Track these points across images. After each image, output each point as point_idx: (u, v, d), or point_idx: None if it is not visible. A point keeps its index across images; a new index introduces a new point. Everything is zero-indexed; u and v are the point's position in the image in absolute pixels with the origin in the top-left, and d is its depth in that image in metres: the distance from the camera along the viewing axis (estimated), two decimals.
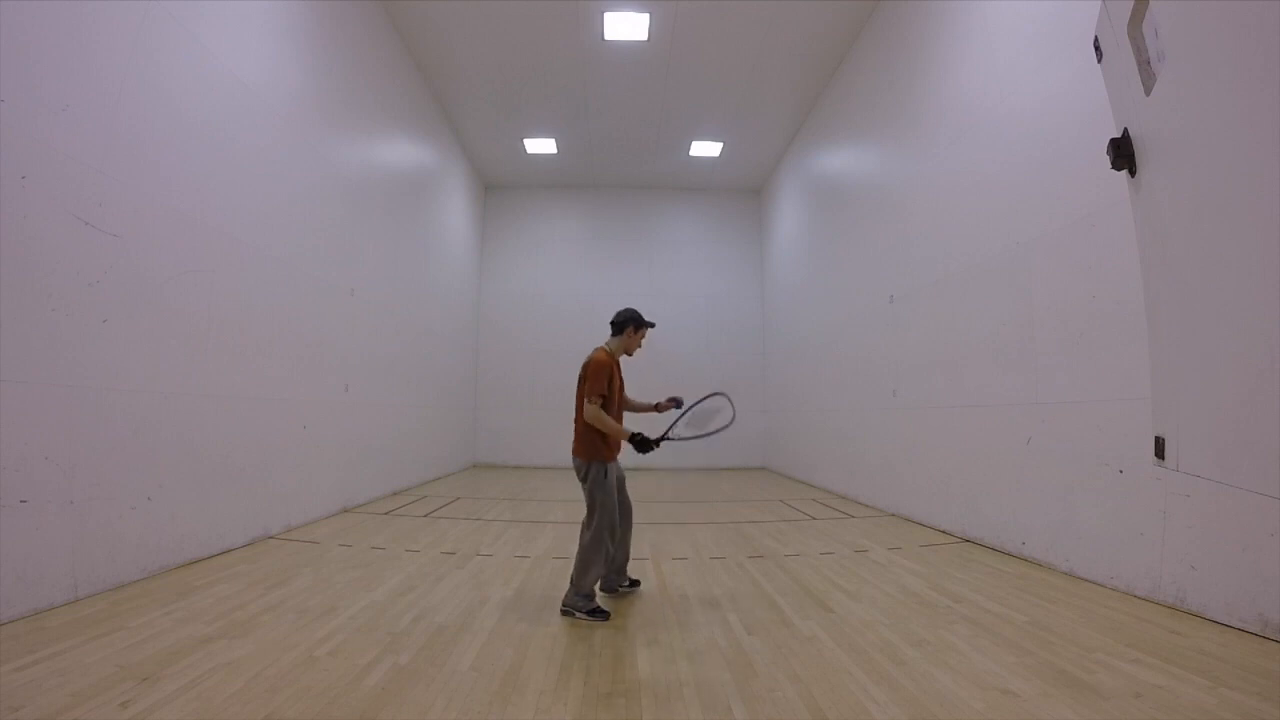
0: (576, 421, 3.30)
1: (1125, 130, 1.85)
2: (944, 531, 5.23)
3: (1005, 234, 4.53)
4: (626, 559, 3.47)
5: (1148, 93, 1.69)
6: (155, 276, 3.62)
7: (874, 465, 6.83)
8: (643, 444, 3.23)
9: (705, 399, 3.50)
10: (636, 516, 3.63)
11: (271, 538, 4.72)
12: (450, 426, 10.12)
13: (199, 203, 3.99)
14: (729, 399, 3.49)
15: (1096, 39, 2.00)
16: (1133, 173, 1.84)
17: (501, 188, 12.42)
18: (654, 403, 3.58)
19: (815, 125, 9.27)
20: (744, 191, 12.63)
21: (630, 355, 3.48)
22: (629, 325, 3.42)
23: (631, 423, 3.39)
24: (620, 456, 3.38)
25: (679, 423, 3.40)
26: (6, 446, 2.73)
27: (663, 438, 3.31)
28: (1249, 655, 2.49)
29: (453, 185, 10.18)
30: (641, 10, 7.12)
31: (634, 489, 3.60)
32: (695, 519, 6.09)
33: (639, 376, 11.93)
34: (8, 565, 2.71)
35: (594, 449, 3.24)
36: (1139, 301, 2.46)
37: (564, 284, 12.24)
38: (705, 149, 10.77)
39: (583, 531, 3.24)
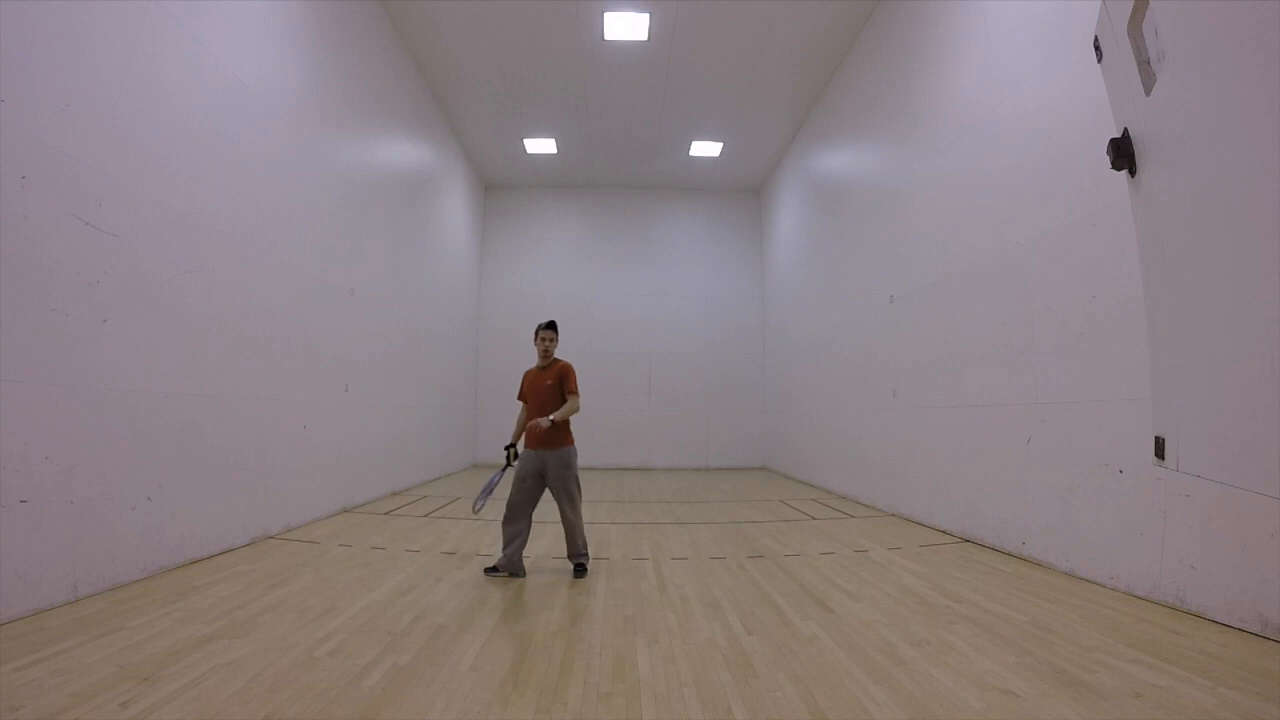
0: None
1: (1125, 130, 1.85)
2: (944, 531, 5.23)
3: (1005, 234, 4.53)
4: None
5: (1148, 93, 1.69)
6: (155, 276, 3.63)
7: (874, 465, 6.82)
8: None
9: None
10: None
11: (271, 538, 4.72)
12: (450, 426, 10.12)
13: (199, 203, 3.99)
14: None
15: (1096, 39, 2.00)
16: (1133, 173, 1.84)
17: (501, 188, 12.42)
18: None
19: (815, 125, 9.27)
20: (744, 191, 12.62)
21: (541, 360, 4.05)
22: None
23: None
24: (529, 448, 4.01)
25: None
26: (6, 446, 2.73)
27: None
28: (1249, 655, 2.49)
29: (453, 185, 10.17)
30: (641, 10, 7.11)
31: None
32: (695, 519, 6.07)
33: (641, 375, 12.00)
34: (8, 565, 2.71)
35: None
36: (1139, 301, 2.46)
37: (564, 284, 12.23)
38: (705, 149, 10.76)
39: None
